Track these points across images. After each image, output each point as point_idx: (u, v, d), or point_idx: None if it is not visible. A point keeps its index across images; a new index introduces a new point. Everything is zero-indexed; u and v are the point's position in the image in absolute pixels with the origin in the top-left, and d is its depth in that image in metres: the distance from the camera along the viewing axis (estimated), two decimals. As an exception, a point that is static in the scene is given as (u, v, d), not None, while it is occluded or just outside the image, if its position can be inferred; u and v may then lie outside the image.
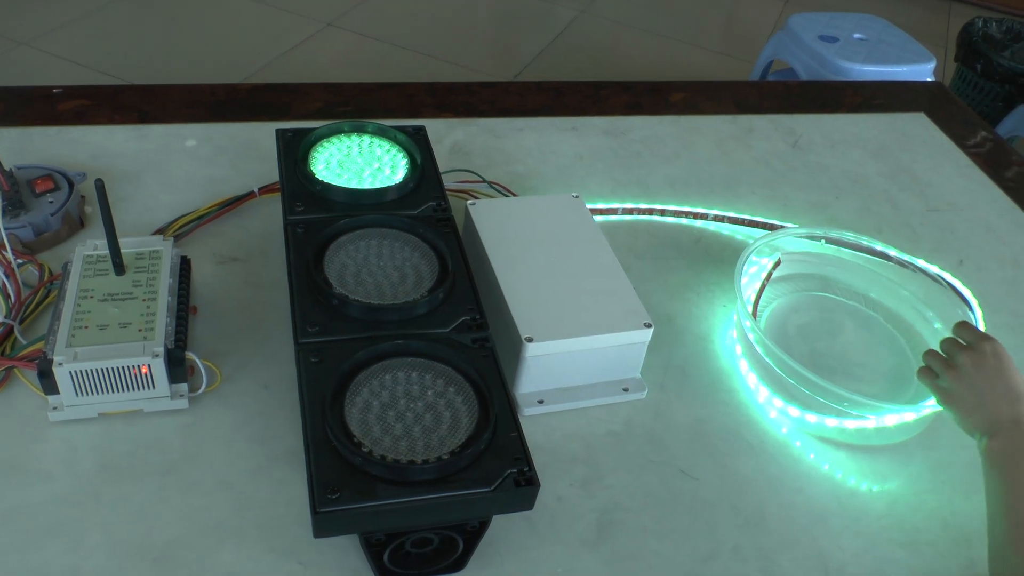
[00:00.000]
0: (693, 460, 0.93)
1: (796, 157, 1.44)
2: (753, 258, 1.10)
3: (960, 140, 1.57)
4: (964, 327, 0.92)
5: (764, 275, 1.11)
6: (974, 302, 1.13)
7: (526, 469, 0.74)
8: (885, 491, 0.94)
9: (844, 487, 0.93)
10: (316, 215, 0.95)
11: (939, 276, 1.14)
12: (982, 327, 1.09)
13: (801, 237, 1.16)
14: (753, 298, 1.08)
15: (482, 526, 0.77)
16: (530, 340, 0.90)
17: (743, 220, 1.25)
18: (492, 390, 0.79)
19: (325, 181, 0.98)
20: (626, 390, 0.96)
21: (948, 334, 1.04)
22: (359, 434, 0.75)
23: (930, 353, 0.93)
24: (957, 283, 1.16)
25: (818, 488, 0.92)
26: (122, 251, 0.93)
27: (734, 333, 1.06)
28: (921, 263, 1.15)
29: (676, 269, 1.16)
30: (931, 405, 0.94)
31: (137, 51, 2.89)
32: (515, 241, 1.01)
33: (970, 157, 1.53)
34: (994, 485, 0.80)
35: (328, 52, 3.06)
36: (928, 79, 2.40)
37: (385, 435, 0.75)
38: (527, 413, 0.93)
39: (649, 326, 0.93)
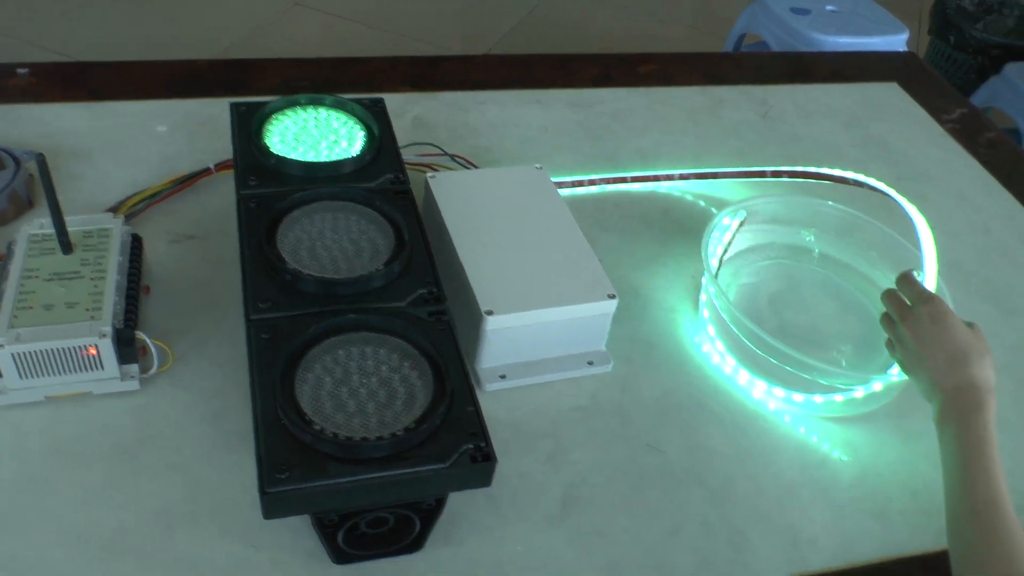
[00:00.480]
0: (660, 434, 0.91)
1: (767, 128, 1.42)
2: (717, 234, 1.08)
3: (933, 110, 1.55)
4: (905, 283, 0.89)
5: (728, 234, 1.09)
6: (932, 251, 1.10)
7: (483, 445, 0.71)
8: (855, 461, 0.92)
9: (813, 458, 0.91)
10: (270, 189, 0.92)
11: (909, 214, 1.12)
12: (941, 288, 1.06)
13: (770, 202, 1.14)
14: (718, 258, 1.05)
15: (439, 504, 0.75)
16: (490, 313, 0.87)
17: (713, 174, 1.23)
18: (448, 364, 0.76)
19: (279, 154, 0.95)
20: (591, 363, 0.94)
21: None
22: (310, 412, 0.72)
23: (885, 320, 0.91)
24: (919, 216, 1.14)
25: (787, 460, 0.91)
26: (69, 229, 0.90)
27: (705, 312, 1.04)
28: (892, 192, 1.13)
29: (644, 241, 1.14)
30: (899, 374, 0.92)
31: (94, 31, 2.84)
32: (476, 214, 0.98)
33: (943, 127, 1.51)
34: (944, 455, 0.78)
35: (296, 31, 3.02)
36: (901, 50, 2.38)
37: (338, 412, 0.73)
38: (489, 389, 0.91)
39: (613, 297, 0.91)
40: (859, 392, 0.94)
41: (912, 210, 1.07)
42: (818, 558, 0.82)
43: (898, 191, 1.13)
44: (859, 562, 0.83)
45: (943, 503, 0.78)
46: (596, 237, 1.11)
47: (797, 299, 1.09)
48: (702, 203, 1.22)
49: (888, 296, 0.90)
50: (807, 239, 1.15)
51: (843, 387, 0.94)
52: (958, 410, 0.79)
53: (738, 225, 1.09)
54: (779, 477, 0.89)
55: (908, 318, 0.86)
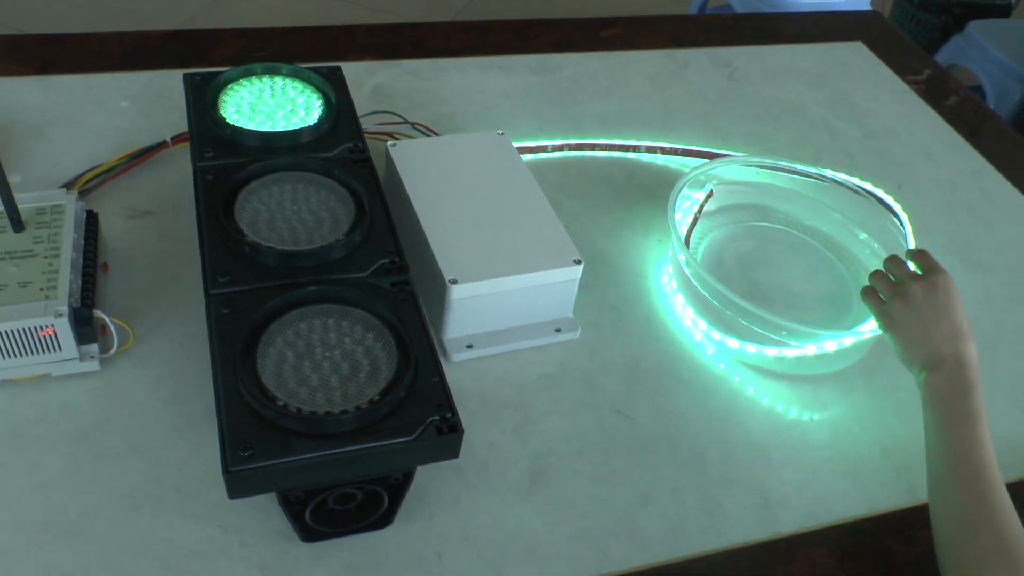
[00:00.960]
0: (629, 400, 0.90)
1: (733, 90, 1.41)
2: (686, 191, 1.07)
3: (899, 69, 1.54)
4: (921, 255, 0.89)
5: (696, 208, 1.08)
6: (905, 218, 1.11)
7: (449, 416, 0.70)
8: (826, 420, 0.92)
9: (784, 419, 0.91)
10: (227, 161, 0.90)
11: (871, 192, 1.12)
12: (912, 243, 1.06)
13: (736, 164, 1.13)
14: (687, 232, 1.05)
15: (406, 478, 0.74)
16: (454, 282, 0.86)
17: (676, 149, 1.22)
18: (412, 334, 0.75)
19: (236, 125, 0.93)
20: (559, 331, 0.93)
21: (885, 256, 1.02)
22: (273, 387, 0.71)
23: (878, 275, 0.90)
24: (890, 199, 1.14)
25: (757, 422, 0.90)
26: (20, 207, 0.87)
27: (669, 268, 1.03)
28: (855, 181, 1.13)
29: (609, 206, 1.12)
30: (871, 329, 0.92)
31: (44, 3, 2.77)
32: (438, 181, 0.97)
33: (908, 85, 1.50)
34: (933, 420, 0.78)
35: (255, 3, 2.96)
36: (866, 9, 2.37)
37: (301, 387, 0.71)
38: (455, 359, 0.89)
39: (579, 263, 0.90)
40: (831, 344, 0.93)
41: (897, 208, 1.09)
42: (790, 519, 0.82)
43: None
44: (832, 521, 0.83)
45: (912, 459, 0.78)
46: (561, 203, 1.10)
47: (766, 260, 1.08)
48: (673, 165, 1.21)
49: (893, 260, 0.90)
50: (775, 207, 1.14)
51: (814, 344, 0.93)
52: (957, 379, 0.78)
53: (705, 198, 1.09)
54: (749, 440, 0.88)
55: (920, 282, 0.85)
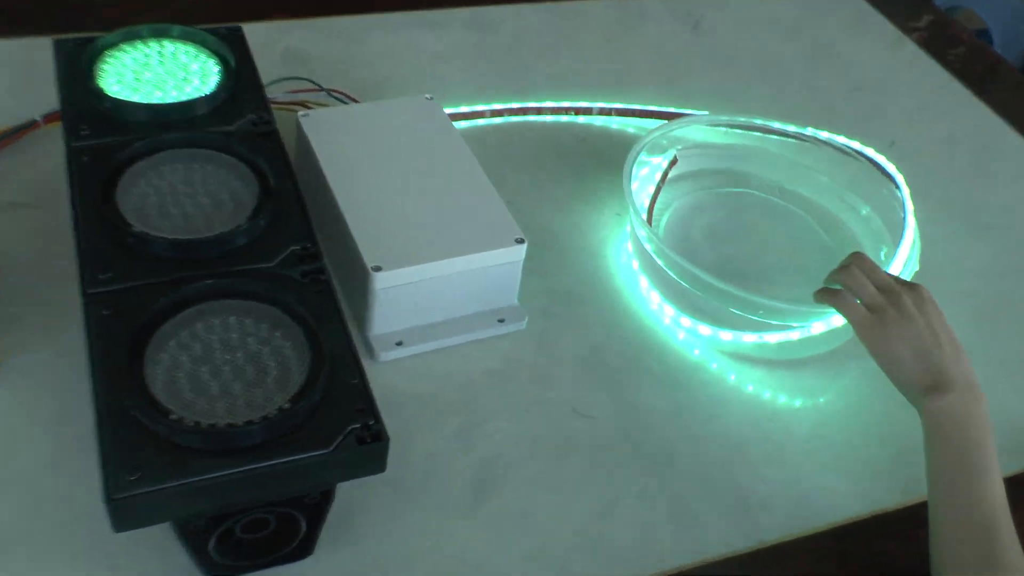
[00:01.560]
0: (587, 397, 0.89)
1: (698, 43, 1.40)
2: (644, 156, 1.06)
3: (890, 14, 1.55)
4: (884, 276, 0.85)
5: (659, 176, 1.07)
6: (900, 179, 1.11)
7: (372, 423, 0.68)
8: (811, 408, 0.91)
9: (764, 410, 0.90)
10: (106, 139, 0.87)
11: (859, 151, 1.12)
12: (910, 207, 1.06)
13: (700, 125, 1.12)
14: (648, 203, 1.04)
15: (325, 498, 0.72)
16: (378, 269, 0.84)
17: (633, 111, 1.21)
18: (327, 330, 0.73)
19: (117, 97, 0.90)
20: (502, 321, 0.92)
21: (878, 221, 1.02)
22: (165, 398, 0.68)
23: (851, 275, 0.85)
24: (881, 158, 1.13)
25: (733, 414, 0.89)
26: None
27: (629, 246, 1.02)
28: (841, 140, 1.13)
29: (558, 177, 1.11)
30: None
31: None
32: (358, 155, 0.95)
33: (903, 32, 1.51)
34: (940, 454, 0.75)
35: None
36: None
37: (198, 397, 0.69)
38: (384, 358, 0.88)
39: (521, 242, 0.88)
40: (819, 327, 0.93)
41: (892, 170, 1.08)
42: (774, 524, 0.81)
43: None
44: (821, 526, 0.82)
45: (912, 448, 0.77)
46: (503, 176, 1.08)
47: (739, 232, 1.07)
48: (631, 129, 1.20)
49: (863, 260, 0.86)
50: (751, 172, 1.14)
51: (797, 325, 0.93)
52: (969, 402, 0.76)
53: (668, 165, 1.08)
54: (725, 435, 0.88)
55: (908, 291, 0.82)
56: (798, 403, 0.91)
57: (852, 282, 0.84)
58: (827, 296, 0.86)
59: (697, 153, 1.12)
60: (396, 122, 1.00)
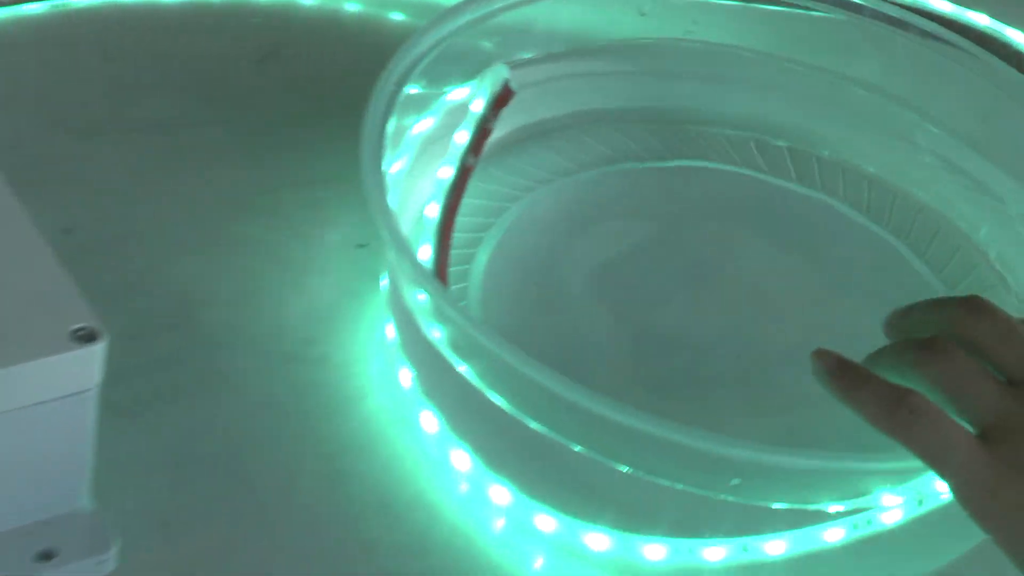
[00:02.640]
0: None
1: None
2: (419, 91, 0.54)
3: None
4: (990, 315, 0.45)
5: (466, 143, 0.55)
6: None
7: None
8: None
9: None
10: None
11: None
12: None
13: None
14: (443, 212, 0.53)
15: None
16: None
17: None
18: None
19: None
20: (47, 558, 0.39)
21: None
22: None
23: (944, 358, 0.44)
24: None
25: None
26: None
27: (390, 330, 0.49)
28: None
29: (200, 157, 0.62)
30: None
31: None
32: None
33: None
34: None
35: None
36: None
37: None
38: None
39: (93, 339, 0.36)
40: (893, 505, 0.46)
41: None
42: None
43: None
44: None
45: None
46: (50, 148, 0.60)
47: (674, 266, 0.56)
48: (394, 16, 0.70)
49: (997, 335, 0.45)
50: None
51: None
52: None
53: (486, 105, 0.56)
54: None
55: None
56: None
57: (954, 379, 0.43)
58: (892, 414, 0.42)
59: (568, 75, 0.63)
60: None
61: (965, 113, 0.61)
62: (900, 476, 0.46)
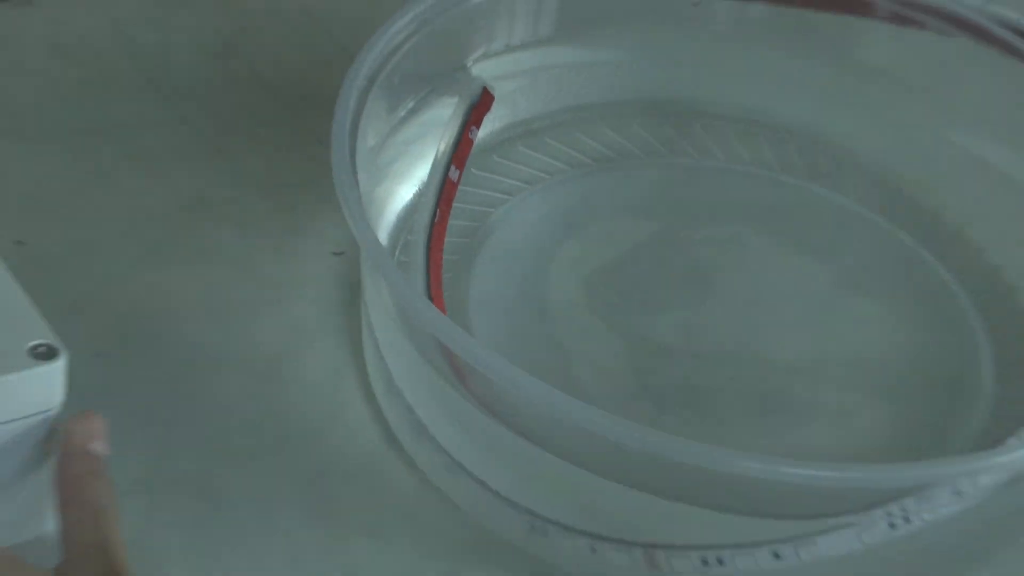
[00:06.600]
0: None
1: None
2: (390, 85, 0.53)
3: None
4: None
5: (446, 142, 0.55)
6: None
7: None
8: None
9: None
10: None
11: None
12: None
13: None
14: (429, 222, 0.52)
15: None
16: None
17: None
18: None
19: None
20: None
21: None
22: None
23: None
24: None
25: None
26: None
27: (367, 369, 0.49)
28: None
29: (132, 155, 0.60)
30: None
31: None
32: None
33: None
34: None
35: None
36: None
37: None
38: None
39: (52, 356, 0.35)
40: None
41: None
42: None
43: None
44: None
45: None
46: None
47: (650, 276, 0.57)
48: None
49: None
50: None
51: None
52: None
53: (468, 109, 0.56)
54: None
55: None
56: None
57: None
58: None
59: (557, 70, 0.63)
60: None
61: (988, 108, 0.60)
62: (917, 491, 0.44)
